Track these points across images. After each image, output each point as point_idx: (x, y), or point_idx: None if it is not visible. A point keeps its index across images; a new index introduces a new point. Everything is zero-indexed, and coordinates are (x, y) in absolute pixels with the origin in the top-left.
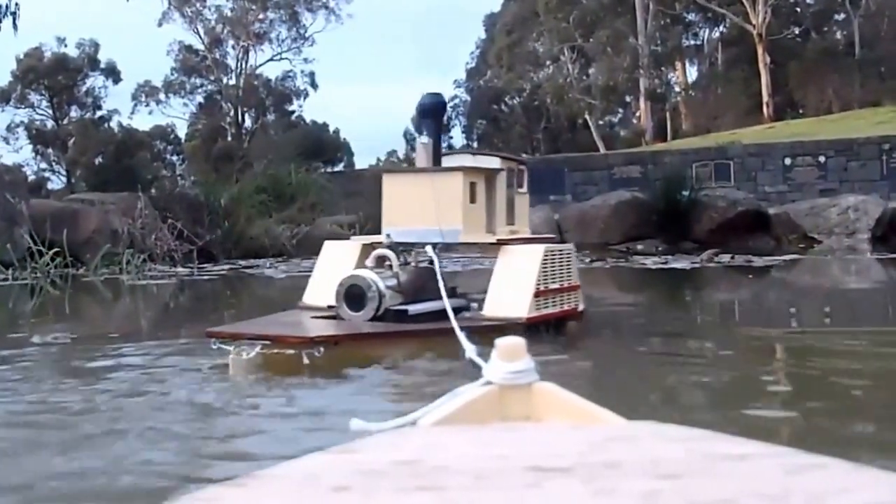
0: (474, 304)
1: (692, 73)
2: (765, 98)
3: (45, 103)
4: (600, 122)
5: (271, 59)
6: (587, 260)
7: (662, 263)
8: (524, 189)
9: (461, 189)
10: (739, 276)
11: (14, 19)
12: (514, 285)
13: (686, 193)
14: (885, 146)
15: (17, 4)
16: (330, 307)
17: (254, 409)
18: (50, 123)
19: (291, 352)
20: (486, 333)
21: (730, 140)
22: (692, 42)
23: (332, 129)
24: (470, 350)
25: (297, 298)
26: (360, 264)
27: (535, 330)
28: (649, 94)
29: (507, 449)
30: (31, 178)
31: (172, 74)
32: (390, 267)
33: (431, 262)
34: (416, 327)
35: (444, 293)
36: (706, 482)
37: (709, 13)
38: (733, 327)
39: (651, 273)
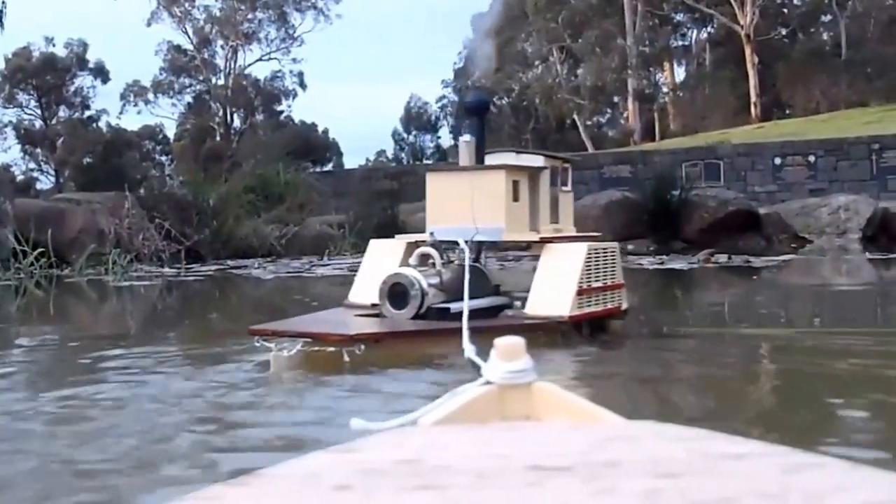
0: (517, 303)
1: (680, 73)
2: (753, 98)
3: (33, 103)
4: (588, 123)
5: (260, 59)
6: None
7: (659, 264)
8: (568, 187)
9: (504, 187)
10: (744, 277)
11: (0, 17)
12: (556, 283)
13: (676, 193)
14: (874, 146)
15: (3, 3)
16: (374, 305)
17: (289, 408)
18: (38, 123)
19: (332, 349)
20: (528, 332)
21: (719, 140)
22: (680, 43)
23: (320, 129)
24: (469, 350)
25: (285, 300)
26: (405, 262)
27: (578, 328)
28: (637, 94)
29: (507, 448)
30: (20, 178)
31: (161, 74)
32: (433, 265)
33: (475, 259)
34: (458, 325)
35: (466, 291)
36: (706, 481)
37: (696, 14)
38: (774, 328)
39: (652, 274)
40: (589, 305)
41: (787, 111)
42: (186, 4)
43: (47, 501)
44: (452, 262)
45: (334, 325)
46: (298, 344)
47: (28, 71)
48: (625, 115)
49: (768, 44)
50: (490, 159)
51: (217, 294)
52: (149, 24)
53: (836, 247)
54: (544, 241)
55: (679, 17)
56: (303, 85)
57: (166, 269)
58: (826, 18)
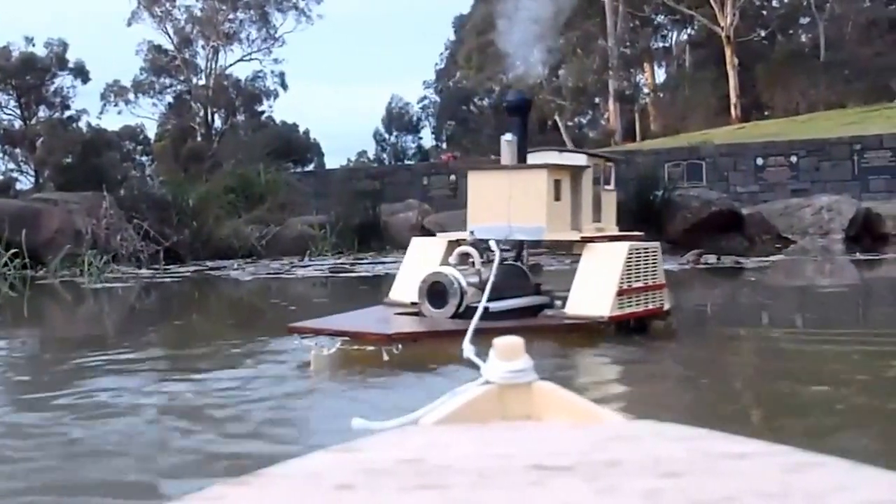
0: (558, 302)
1: (660, 74)
2: (733, 99)
3: (12, 103)
4: (570, 124)
5: (241, 60)
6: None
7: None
8: (611, 186)
9: (545, 186)
10: (743, 278)
11: None
12: (596, 283)
13: (659, 193)
14: (856, 146)
15: None
16: (413, 304)
17: (325, 407)
18: (18, 123)
19: (371, 348)
20: (567, 332)
21: (702, 140)
22: (661, 44)
23: (302, 129)
24: (468, 350)
25: (263, 302)
26: (445, 261)
27: (618, 329)
28: (618, 95)
29: (508, 448)
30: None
31: (142, 74)
32: (473, 264)
33: (516, 258)
34: (497, 324)
35: (487, 289)
36: (707, 481)
37: (677, 15)
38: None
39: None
40: (630, 306)
41: (767, 112)
42: (167, 4)
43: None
44: (492, 260)
45: (373, 324)
46: (338, 342)
47: (7, 71)
48: (606, 115)
49: (748, 45)
50: (532, 158)
51: (194, 297)
52: (129, 24)
53: (820, 247)
54: (585, 240)
55: (660, 18)
56: (284, 85)
57: (143, 271)
58: (805, 21)
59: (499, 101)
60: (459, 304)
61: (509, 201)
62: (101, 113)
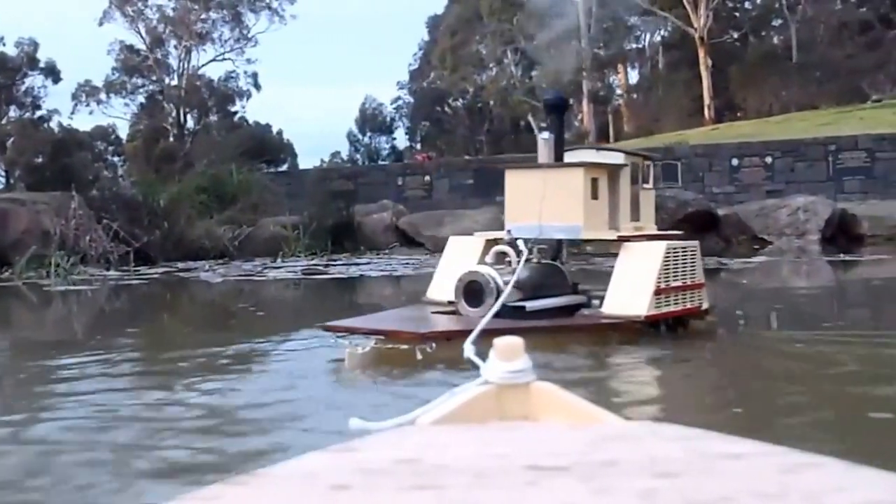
0: (595, 302)
1: (634, 75)
2: (706, 100)
3: None
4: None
5: (214, 60)
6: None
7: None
8: (650, 185)
9: (582, 185)
10: (734, 278)
11: None
12: (633, 283)
13: None
14: (830, 147)
15: None
16: (450, 302)
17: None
18: None
19: (405, 347)
20: (603, 331)
21: (676, 141)
22: (634, 45)
23: (275, 129)
24: (469, 350)
25: (231, 307)
26: (483, 260)
27: (655, 328)
28: (592, 96)
29: (506, 448)
30: None
31: (113, 74)
32: (509, 263)
33: (553, 257)
34: (533, 324)
35: (507, 290)
36: (704, 481)
37: (650, 16)
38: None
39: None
40: (667, 305)
41: (739, 114)
42: (139, 4)
43: None
44: (529, 259)
45: (407, 323)
46: (372, 341)
47: None
48: (579, 116)
49: (721, 46)
50: (569, 157)
51: (159, 301)
52: (101, 24)
53: (796, 248)
54: (622, 239)
55: (633, 19)
56: (257, 86)
57: (111, 272)
58: (777, 23)
59: (472, 102)
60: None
61: (546, 200)
62: (72, 113)
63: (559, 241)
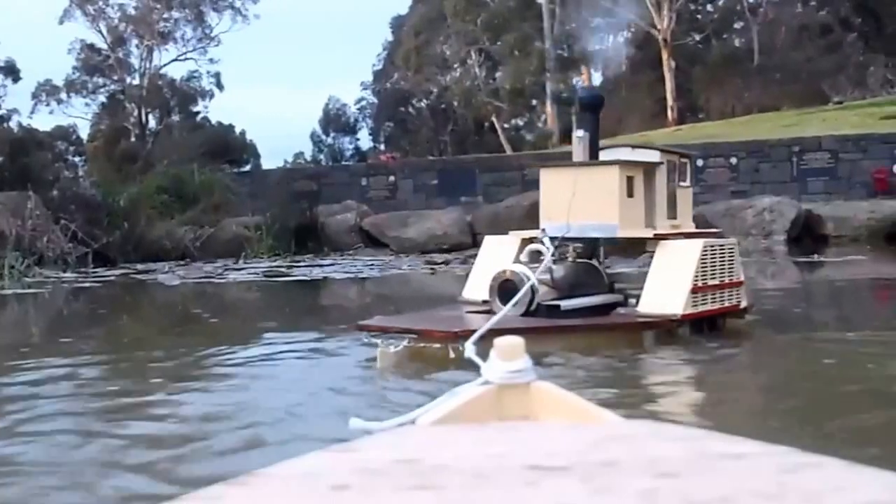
0: (632, 300)
1: (597, 77)
2: (669, 102)
3: None
4: (506, 126)
5: (176, 59)
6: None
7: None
8: (687, 182)
9: (617, 183)
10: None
11: None
12: (669, 281)
13: None
14: (794, 148)
15: None
16: (485, 302)
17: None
18: None
19: (438, 346)
20: (638, 330)
21: (642, 141)
22: (597, 46)
23: (238, 130)
24: (469, 350)
25: (185, 311)
26: (518, 259)
27: (692, 327)
28: (556, 97)
29: (505, 448)
30: None
31: (74, 74)
32: (554, 261)
33: (590, 256)
34: (568, 323)
35: (523, 291)
36: (703, 481)
37: (614, 18)
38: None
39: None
40: (704, 303)
41: (702, 115)
42: (100, 2)
43: None
44: (565, 258)
45: (440, 322)
46: (405, 340)
47: None
48: (543, 117)
49: (684, 48)
50: (604, 155)
51: (110, 305)
52: (61, 23)
53: (762, 248)
54: (658, 237)
55: (597, 21)
56: (220, 86)
57: (67, 274)
58: (739, 25)
59: (436, 103)
60: (531, 303)
61: (582, 199)
62: (32, 113)
63: (595, 240)
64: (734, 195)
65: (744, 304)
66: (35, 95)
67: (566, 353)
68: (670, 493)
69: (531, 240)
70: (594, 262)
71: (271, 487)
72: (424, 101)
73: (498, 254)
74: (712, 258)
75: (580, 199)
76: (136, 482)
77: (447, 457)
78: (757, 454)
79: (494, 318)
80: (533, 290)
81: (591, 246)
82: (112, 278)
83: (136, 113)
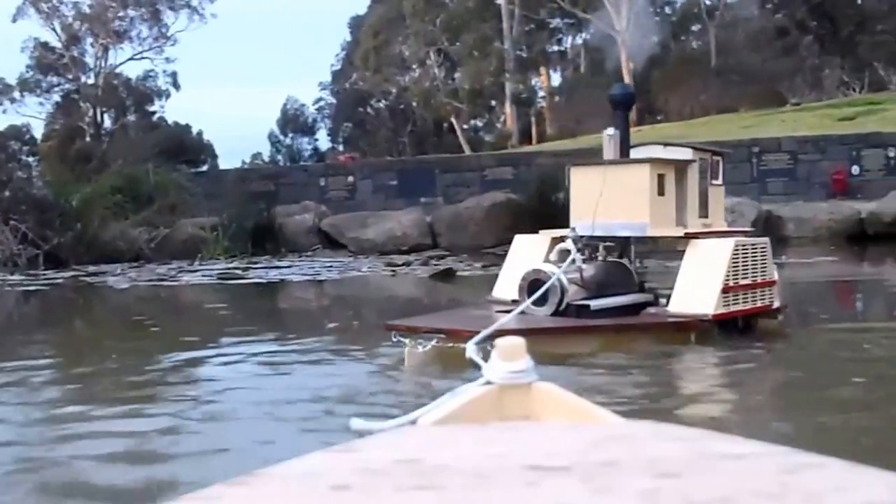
0: (663, 300)
1: (556, 78)
2: None
3: None
4: (465, 126)
5: (132, 59)
6: (479, 265)
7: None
8: (719, 181)
9: (648, 181)
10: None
11: None
12: (700, 281)
13: (562, 195)
14: (754, 149)
15: None
16: (514, 301)
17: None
18: None
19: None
20: (668, 330)
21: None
22: (556, 47)
23: (195, 130)
24: (470, 350)
25: (126, 318)
26: (548, 258)
27: (723, 327)
28: (515, 98)
29: (506, 448)
30: None
31: (28, 72)
32: (574, 261)
33: (620, 255)
34: (598, 323)
35: (539, 294)
36: (704, 481)
37: (573, 19)
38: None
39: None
40: (736, 303)
41: (660, 117)
42: (54, 0)
43: None
44: (595, 257)
45: (468, 322)
46: (433, 340)
47: None
48: (502, 118)
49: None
50: (635, 153)
51: (49, 310)
52: (14, 20)
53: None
54: (689, 236)
55: (556, 21)
56: (176, 85)
57: (13, 277)
58: (696, 27)
59: (395, 103)
60: (560, 302)
61: (611, 197)
62: None
63: (626, 239)
64: None
65: (776, 303)
66: None
67: (594, 353)
68: (671, 493)
69: (561, 239)
70: (625, 261)
71: (271, 487)
72: (383, 101)
73: (528, 253)
74: (744, 257)
75: (610, 197)
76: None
77: (448, 457)
78: (758, 454)
79: (502, 321)
80: (563, 289)
81: (621, 245)
82: (60, 281)
83: (91, 112)
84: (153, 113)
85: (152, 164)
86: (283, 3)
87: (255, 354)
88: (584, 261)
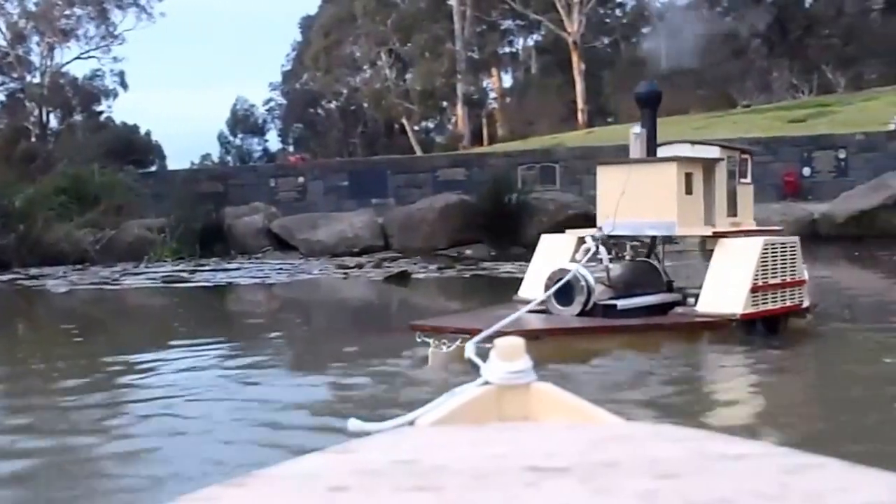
0: (691, 300)
1: (508, 79)
2: (580, 105)
3: None
4: (417, 128)
5: (79, 58)
6: (434, 267)
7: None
8: (748, 179)
9: (675, 180)
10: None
11: None
12: (729, 280)
13: (514, 196)
14: None
15: None
16: (541, 301)
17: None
18: None
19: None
20: (697, 330)
21: (554, 143)
22: (508, 49)
23: (143, 130)
24: (470, 350)
25: (53, 327)
26: (574, 258)
27: (752, 327)
28: (466, 99)
29: (505, 448)
30: None
31: None
32: (601, 261)
33: (647, 255)
34: (624, 322)
35: (556, 286)
36: (704, 482)
37: (524, 20)
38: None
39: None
40: (765, 303)
41: (611, 119)
42: None
43: None
44: (622, 257)
45: (494, 322)
46: (457, 340)
47: None
48: (453, 119)
49: (594, 52)
50: (663, 151)
51: None
52: None
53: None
54: (717, 235)
55: (507, 23)
56: (124, 85)
57: None
58: (647, 30)
59: (346, 104)
60: (586, 302)
61: (638, 196)
62: None
63: (653, 238)
64: None
65: (806, 303)
66: None
67: (619, 353)
68: (670, 493)
69: (593, 238)
70: (652, 260)
71: (269, 488)
72: (334, 102)
73: (554, 253)
74: (773, 256)
75: (638, 196)
76: None
77: (446, 457)
78: (758, 455)
79: (508, 319)
80: (589, 289)
81: (649, 244)
82: None
83: (36, 112)
84: (100, 113)
85: (99, 165)
86: (233, 2)
87: (190, 369)
88: (611, 260)
